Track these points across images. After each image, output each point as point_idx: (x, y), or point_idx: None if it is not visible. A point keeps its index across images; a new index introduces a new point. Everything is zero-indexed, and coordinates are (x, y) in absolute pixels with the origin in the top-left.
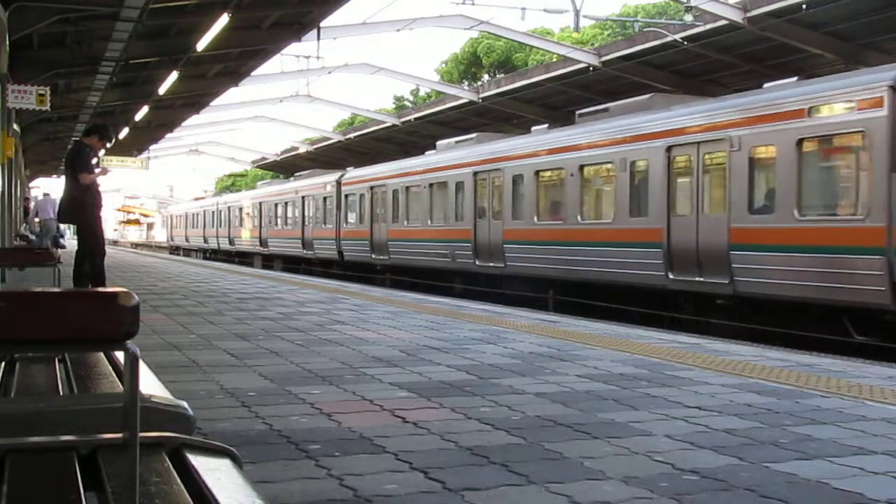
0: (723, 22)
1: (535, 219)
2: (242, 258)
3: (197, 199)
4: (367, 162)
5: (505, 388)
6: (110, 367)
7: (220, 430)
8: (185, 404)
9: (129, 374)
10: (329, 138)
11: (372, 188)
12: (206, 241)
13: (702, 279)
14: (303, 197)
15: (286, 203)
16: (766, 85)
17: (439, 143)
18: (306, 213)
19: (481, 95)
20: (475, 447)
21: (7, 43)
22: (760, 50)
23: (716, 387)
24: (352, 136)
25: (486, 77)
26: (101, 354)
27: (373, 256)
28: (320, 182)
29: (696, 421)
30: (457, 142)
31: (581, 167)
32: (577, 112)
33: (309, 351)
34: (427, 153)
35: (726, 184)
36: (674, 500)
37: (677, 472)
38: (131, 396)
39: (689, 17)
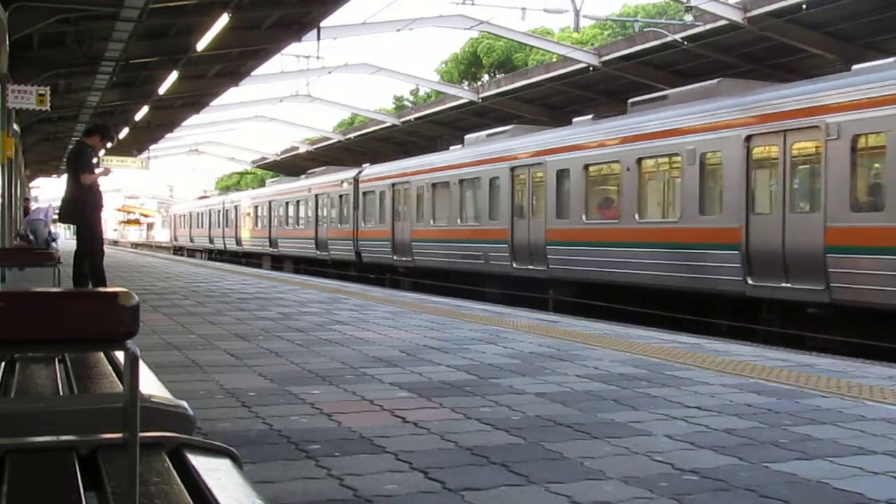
0: (723, 22)
1: (584, 217)
2: (250, 259)
3: (202, 197)
4: (368, 162)
5: (505, 388)
6: (110, 367)
7: (220, 430)
8: (185, 404)
9: (129, 374)
10: (329, 138)
11: (393, 185)
12: (211, 241)
13: (789, 285)
14: (316, 195)
15: (298, 202)
16: (855, 67)
17: (468, 136)
18: (320, 213)
19: (481, 95)
20: (475, 447)
21: (7, 43)
22: (760, 50)
23: (716, 387)
24: (352, 136)
25: (486, 77)
26: (101, 354)
27: (394, 258)
28: (336, 179)
29: (696, 421)
30: (488, 135)
31: (639, 160)
32: (630, 100)
33: (309, 351)
34: (452, 148)
35: (822, 177)
36: (674, 500)
37: (677, 472)
38: (131, 396)
39: (689, 17)
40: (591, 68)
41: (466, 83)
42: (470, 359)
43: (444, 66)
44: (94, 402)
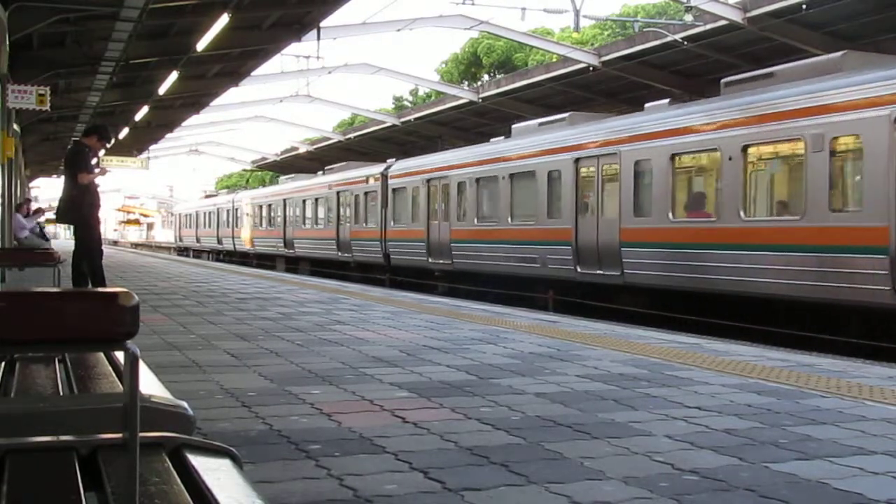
0: (723, 22)
1: (670, 215)
2: (262, 261)
3: (209, 196)
4: (367, 160)
5: (505, 388)
6: (110, 367)
7: (220, 430)
8: (185, 404)
9: (129, 374)
10: (329, 138)
11: (429, 181)
12: (219, 241)
13: None
14: (338, 192)
15: (317, 199)
16: None
17: (516, 126)
18: (342, 211)
19: (481, 95)
20: (475, 447)
21: (7, 43)
22: (760, 50)
23: (716, 387)
24: (352, 136)
25: (486, 77)
26: (101, 354)
27: (429, 261)
28: (360, 175)
29: (696, 421)
30: (540, 124)
31: (745, 147)
32: (723, 80)
33: (309, 351)
34: (493, 140)
35: None
36: (674, 500)
37: (677, 472)
38: (131, 396)
39: (689, 17)
40: (591, 68)
41: (466, 83)
42: (470, 359)
43: (444, 66)
44: (94, 402)
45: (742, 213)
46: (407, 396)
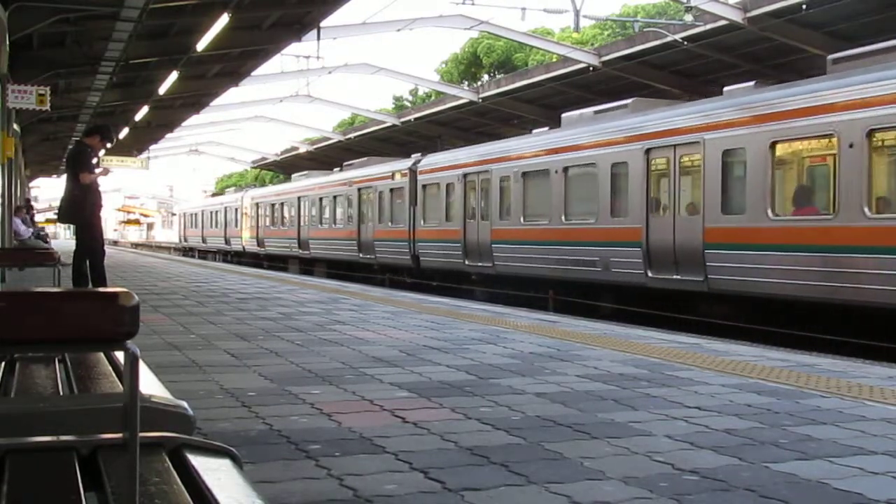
0: (723, 22)
1: (770, 212)
2: (274, 263)
3: (215, 194)
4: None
5: (505, 388)
6: (110, 367)
7: (220, 430)
8: (185, 404)
9: (129, 374)
10: (329, 138)
11: (465, 176)
12: (227, 242)
13: None
14: (359, 189)
15: (335, 197)
16: None
17: (567, 115)
18: (364, 210)
19: (481, 95)
20: (475, 447)
21: (7, 43)
22: (760, 50)
23: (716, 387)
24: (352, 136)
25: (486, 77)
26: (101, 354)
27: (466, 263)
28: (385, 171)
29: (696, 421)
30: (596, 112)
31: (870, 133)
32: (830, 57)
33: (309, 351)
34: (536, 132)
35: None
36: (674, 500)
37: (677, 472)
38: (131, 396)
39: (689, 17)
40: (591, 68)
41: (466, 83)
42: (470, 359)
43: (444, 66)
44: (94, 402)
45: (867, 210)
46: (407, 396)
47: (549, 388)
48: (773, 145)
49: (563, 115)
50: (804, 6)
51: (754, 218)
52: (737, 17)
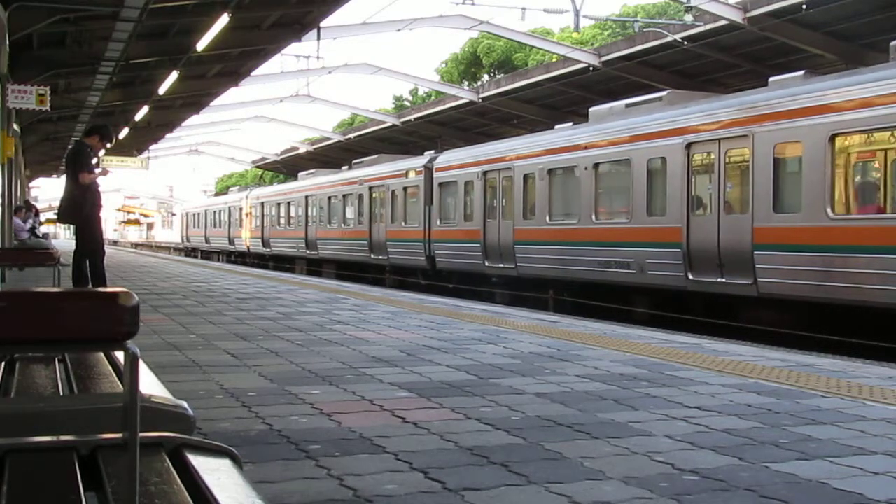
0: (723, 22)
1: (829, 211)
2: (280, 263)
3: (218, 193)
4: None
5: (505, 388)
6: (110, 367)
7: (220, 430)
8: (185, 404)
9: (129, 374)
10: (329, 138)
11: (485, 173)
12: (231, 242)
13: None
14: (370, 188)
15: (344, 196)
16: None
17: (595, 109)
18: (375, 209)
19: (481, 95)
20: (475, 447)
21: (7, 43)
22: (760, 50)
23: (716, 387)
24: (352, 136)
25: (486, 77)
26: (101, 354)
27: (487, 264)
28: (398, 169)
29: (696, 421)
30: (628, 105)
31: None
32: (894, 44)
33: (309, 351)
34: (559, 127)
35: None
36: (674, 500)
37: (677, 472)
38: (131, 396)
39: (689, 17)
40: (591, 68)
41: (466, 83)
42: (470, 359)
43: (444, 66)
44: (94, 402)
45: None
46: (407, 396)
47: (550, 388)
48: (832, 139)
49: (591, 110)
50: (804, 6)
51: (811, 217)
52: (737, 17)
